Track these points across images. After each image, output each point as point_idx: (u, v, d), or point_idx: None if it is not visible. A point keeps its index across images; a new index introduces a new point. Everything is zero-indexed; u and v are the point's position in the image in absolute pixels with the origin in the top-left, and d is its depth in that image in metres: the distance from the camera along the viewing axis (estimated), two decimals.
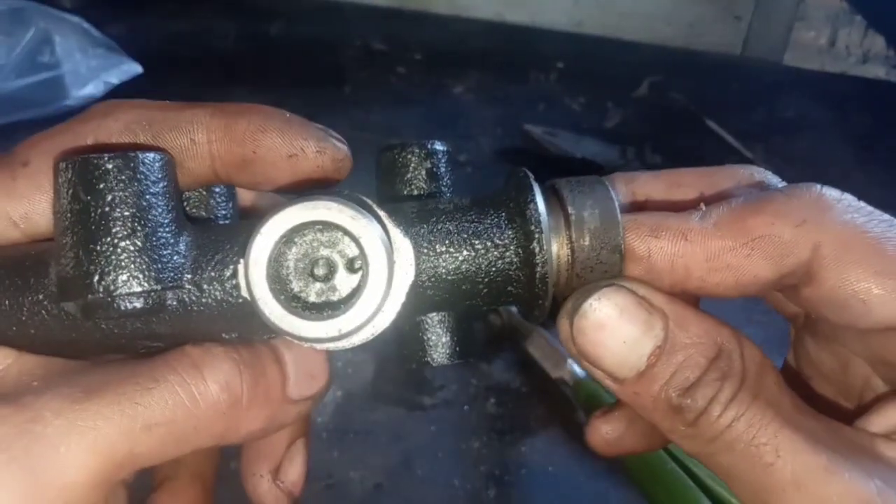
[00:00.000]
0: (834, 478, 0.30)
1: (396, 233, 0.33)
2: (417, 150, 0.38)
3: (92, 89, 1.26)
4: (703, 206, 0.35)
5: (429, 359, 0.37)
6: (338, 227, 0.31)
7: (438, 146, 0.39)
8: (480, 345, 0.92)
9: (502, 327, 0.94)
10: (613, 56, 1.65)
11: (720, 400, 0.31)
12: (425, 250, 0.34)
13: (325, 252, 0.32)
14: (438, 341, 0.37)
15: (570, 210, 0.34)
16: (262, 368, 0.33)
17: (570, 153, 1.32)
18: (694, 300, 0.36)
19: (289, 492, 0.39)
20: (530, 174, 0.35)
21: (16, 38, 1.22)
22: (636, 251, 0.33)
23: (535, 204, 0.33)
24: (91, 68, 1.26)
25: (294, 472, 0.39)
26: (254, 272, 0.31)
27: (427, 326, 0.37)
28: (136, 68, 1.31)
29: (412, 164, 0.38)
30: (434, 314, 0.37)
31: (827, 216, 0.33)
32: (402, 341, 0.37)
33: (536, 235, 0.33)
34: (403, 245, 0.33)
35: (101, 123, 0.34)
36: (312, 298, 0.32)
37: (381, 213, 0.33)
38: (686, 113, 1.49)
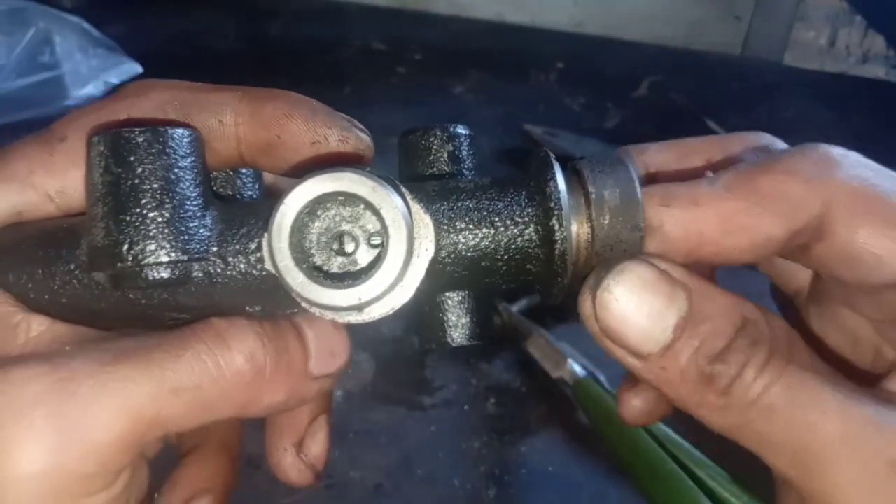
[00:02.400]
0: (886, 426, 0.29)
1: (417, 209, 0.34)
2: (440, 133, 0.39)
3: (92, 89, 1.26)
4: (709, 172, 0.34)
5: (448, 339, 0.37)
6: (359, 199, 0.32)
7: (461, 129, 0.39)
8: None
9: (502, 327, 0.93)
10: (613, 56, 1.65)
11: (753, 364, 0.31)
12: (445, 227, 0.34)
13: (346, 227, 0.33)
14: (458, 322, 0.37)
15: (591, 189, 0.34)
16: (284, 343, 0.34)
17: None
18: (711, 277, 0.36)
19: (312, 465, 0.40)
20: (551, 154, 0.35)
21: (16, 38, 1.21)
22: (649, 221, 0.33)
23: (556, 182, 0.34)
24: (91, 68, 1.26)
25: (317, 446, 0.40)
26: (277, 241, 0.31)
27: (447, 307, 0.37)
28: (136, 68, 1.31)
29: (434, 147, 0.39)
30: (454, 295, 0.37)
31: (836, 171, 0.33)
32: (422, 321, 0.38)
33: (556, 213, 0.33)
34: (424, 221, 0.34)
35: (135, 102, 0.36)
36: (335, 270, 0.33)
37: (403, 189, 0.34)
38: (686, 113, 1.49)
